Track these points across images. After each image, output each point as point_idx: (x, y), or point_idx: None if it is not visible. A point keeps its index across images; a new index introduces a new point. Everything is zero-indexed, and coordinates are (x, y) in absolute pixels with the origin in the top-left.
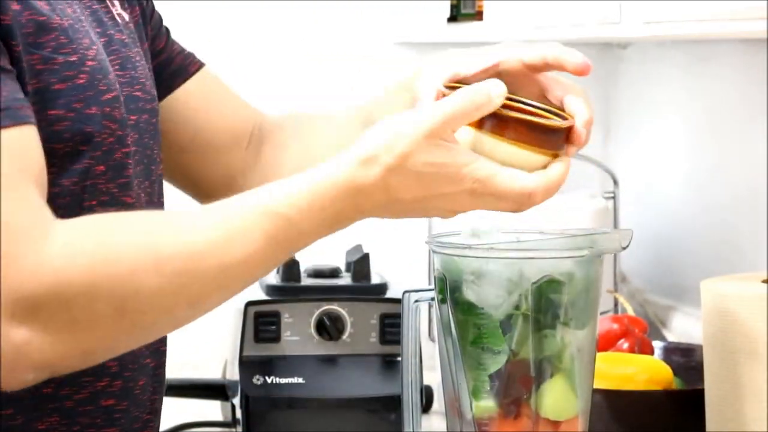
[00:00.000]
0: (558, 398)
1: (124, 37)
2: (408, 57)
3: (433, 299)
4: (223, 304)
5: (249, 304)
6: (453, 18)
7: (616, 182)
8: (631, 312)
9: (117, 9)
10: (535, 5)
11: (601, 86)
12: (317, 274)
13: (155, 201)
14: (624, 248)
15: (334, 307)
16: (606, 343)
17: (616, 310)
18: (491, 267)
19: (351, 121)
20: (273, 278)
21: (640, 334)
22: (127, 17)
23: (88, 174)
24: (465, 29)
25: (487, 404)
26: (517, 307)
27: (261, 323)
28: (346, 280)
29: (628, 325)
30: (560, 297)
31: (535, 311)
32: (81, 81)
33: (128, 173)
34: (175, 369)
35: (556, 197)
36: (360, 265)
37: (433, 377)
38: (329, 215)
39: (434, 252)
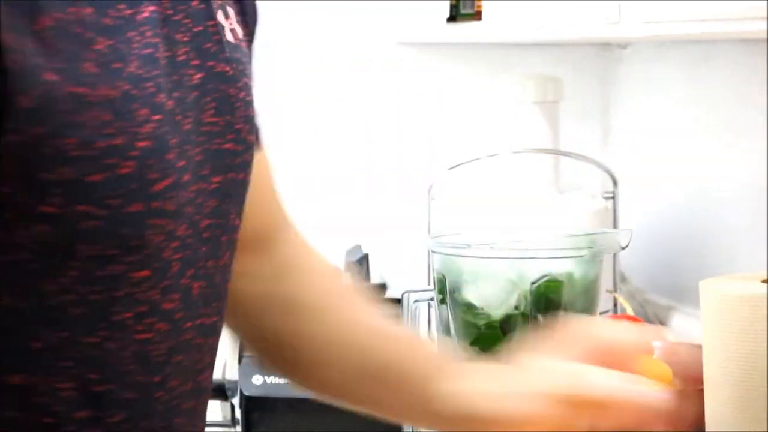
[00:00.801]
0: None
1: (228, 70)
2: (407, 57)
3: (432, 299)
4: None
5: None
6: (452, 18)
7: (615, 182)
8: (630, 312)
9: (231, 23)
10: (535, 5)
11: (600, 86)
12: None
13: (218, 286)
14: (623, 248)
15: None
16: None
17: (615, 310)
18: (490, 267)
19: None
20: None
21: None
22: (240, 33)
23: (122, 282)
24: (464, 29)
25: None
26: (516, 307)
27: None
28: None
29: None
30: (559, 297)
31: (534, 311)
32: (125, 171)
33: (174, 271)
34: None
35: (555, 197)
36: (360, 265)
37: None
38: None
39: (434, 252)
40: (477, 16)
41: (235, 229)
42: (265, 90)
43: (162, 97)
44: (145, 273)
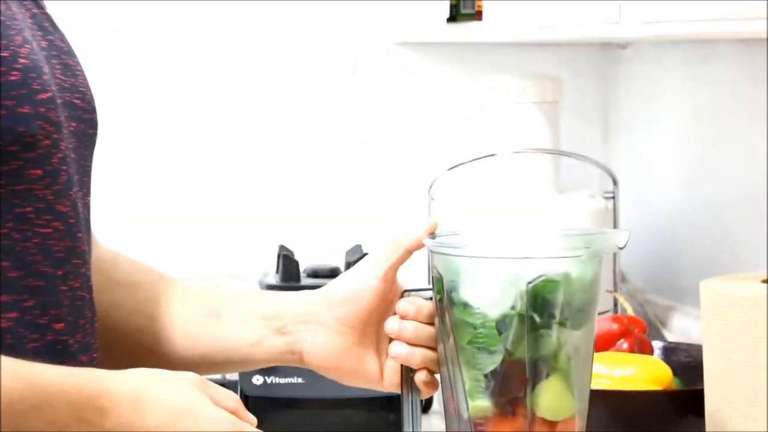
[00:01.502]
0: (554, 398)
1: (65, 46)
2: (407, 57)
3: (430, 299)
4: None
5: None
6: (452, 18)
7: (615, 182)
8: (630, 312)
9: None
10: (535, 5)
11: (600, 86)
12: (316, 273)
13: (87, 215)
14: (621, 248)
15: None
16: (605, 343)
17: (615, 310)
18: (487, 267)
19: (194, 300)
20: (272, 278)
21: (639, 334)
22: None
23: (22, 177)
24: (464, 29)
25: (483, 404)
26: (512, 307)
27: None
28: None
29: (627, 325)
30: (556, 297)
31: (530, 311)
32: (13, 78)
33: (63, 180)
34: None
35: (555, 197)
36: None
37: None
38: None
39: (432, 252)
40: (477, 16)
41: (89, 181)
42: (262, 91)
43: (28, 34)
44: (38, 172)
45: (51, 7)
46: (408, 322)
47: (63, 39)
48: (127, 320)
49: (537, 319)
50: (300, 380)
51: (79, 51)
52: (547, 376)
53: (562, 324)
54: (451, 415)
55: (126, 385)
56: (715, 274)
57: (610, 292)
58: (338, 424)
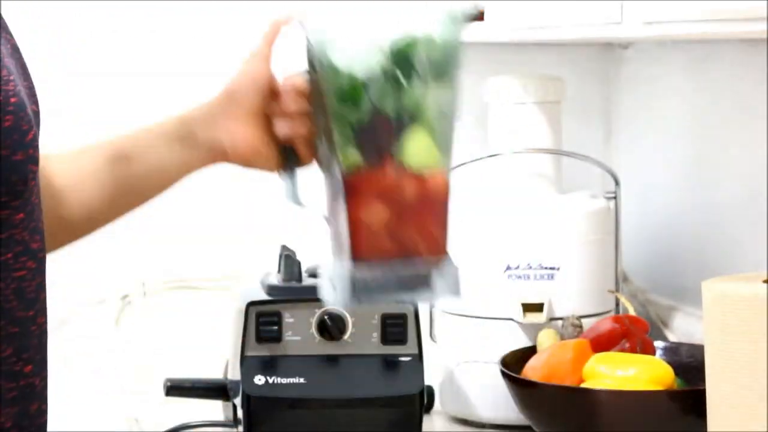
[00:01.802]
0: (419, 148)
1: (14, 42)
2: None
3: (305, 75)
4: (224, 305)
5: (251, 304)
6: None
7: (617, 182)
8: (632, 312)
9: None
10: (536, 6)
11: (602, 86)
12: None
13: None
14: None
15: (336, 307)
16: (607, 342)
17: (617, 310)
18: (353, 30)
19: (101, 152)
20: (274, 278)
21: (641, 334)
22: None
23: (7, 224)
24: (465, 29)
25: (353, 155)
26: (377, 65)
27: (262, 323)
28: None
29: (629, 325)
30: (416, 55)
31: (394, 68)
32: (7, 124)
33: (36, 215)
34: (176, 369)
35: (557, 197)
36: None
37: (434, 377)
38: None
39: (302, 24)
40: (479, 16)
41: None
42: None
43: (8, 60)
44: (21, 216)
45: (51, 7)
46: (289, 99)
47: (8, 30)
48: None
49: (400, 75)
50: (301, 380)
51: (79, 51)
52: (412, 128)
53: (425, 79)
54: (325, 170)
55: None
56: (716, 274)
57: (612, 292)
58: (339, 424)
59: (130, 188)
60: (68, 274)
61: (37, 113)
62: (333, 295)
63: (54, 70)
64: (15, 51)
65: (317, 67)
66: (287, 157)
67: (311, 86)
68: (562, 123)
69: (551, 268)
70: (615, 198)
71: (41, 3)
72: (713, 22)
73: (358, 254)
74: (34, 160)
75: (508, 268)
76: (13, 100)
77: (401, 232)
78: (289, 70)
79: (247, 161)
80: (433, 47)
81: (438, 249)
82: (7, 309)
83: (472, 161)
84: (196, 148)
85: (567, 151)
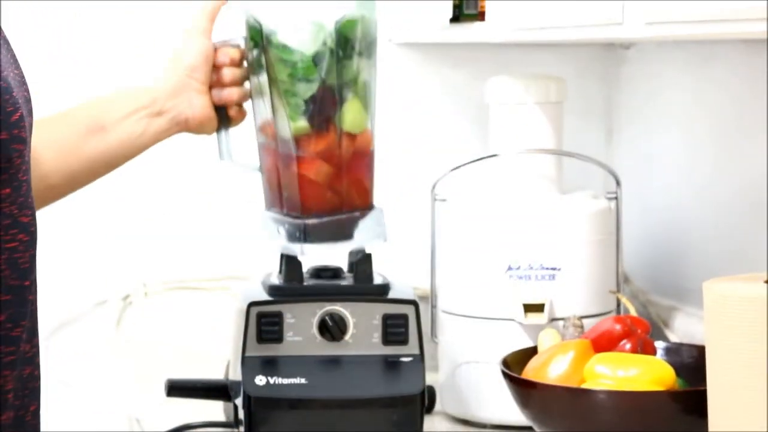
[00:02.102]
0: (355, 115)
1: (3, 33)
2: (410, 58)
3: (238, 46)
4: (225, 305)
5: (252, 304)
6: (455, 18)
7: (618, 183)
8: (633, 312)
9: None
10: (538, 6)
11: (603, 86)
12: (319, 274)
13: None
14: None
15: (337, 307)
16: (608, 343)
17: (618, 311)
18: (302, 12)
19: (77, 122)
20: (276, 278)
21: (642, 334)
22: None
23: None
24: (467, 30)
25: (303, 125)
26: (324, 44)
27: (263, 323)
28: (348, 280)
29: (630, 326)
30: (354, 34)
31: (337, 46)
32: None
33: (24, 190)
34: (177, 369)
35: (558, 198)
36: (362, 265)
37: (435, 378)
38: None
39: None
40: (480, 16)
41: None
42: None
43: None
44: (6, 191)
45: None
46: (225, 70)
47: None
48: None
49: (341, 52)
50: (303, 381)
51: (79, 52)
52: (349, 98)
53: (360, 54)
54: (266, 136)
55: None
56: (717, 275)
57: (613, 292)
58: (341, 424)
59: (107, 157)
60: (69, 275)
61: (28, 99)
62: (278, 239)
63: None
64: (5, 42)
65: (265, 45)
66: (221, 120)
67: (249, 59)
68: (564, 123)
69: (552, 269)
70: (616, 198)
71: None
72: (714, 23)
73: (305, 206)
74: (19, 140)
75: (510, 268)
76: None
77: (339, 185)
78: (220, 41)
79: (201, 128)
80: (366, 26)
81: (368, 198)
82: (0, 277)
83: (472, 161)
84: (163, 119)
85: (568, 151)
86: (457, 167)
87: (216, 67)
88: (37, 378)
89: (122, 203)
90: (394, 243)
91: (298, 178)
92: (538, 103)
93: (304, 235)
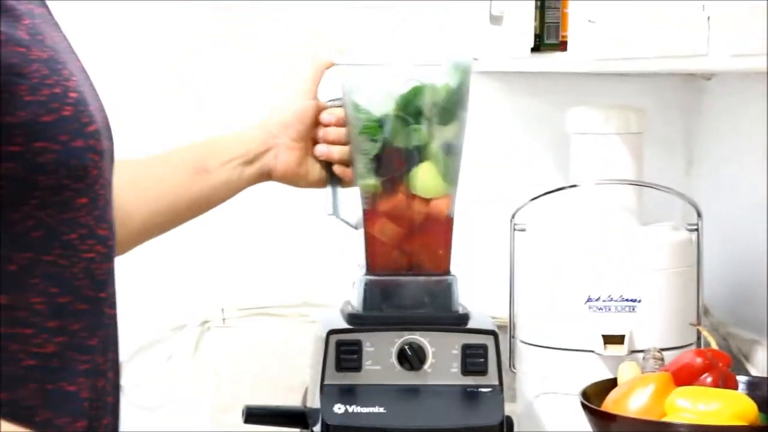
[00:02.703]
0: (427, 179)
1: (81, 62)
2: (491, 86)
3: (341, 106)
4: (302, 332)
5: (331, 332)
6: (536, 48)
7: (699, 214)
8: (714, 345)
9: None
10: (620, 36)
11: (683, 117)
12: (399, 303)
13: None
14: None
15: (416, 337)
16: (689, 376)
17: (699, 343)
18: (370, 77)
19: (184, 164)
20: (355, 306)
21: (724, 368)
22: None
23: (70, 207)
24: (548, 59)
25: (370, 182)
26: (391, 109)
27: (342, 352)
28: (428, 309)
29: (711, 359)
30: (423, 100)
31: (402, 112)
32: (66, 113)
33: (101, 204)
34: (254, 396)
35: (638, 229)
36: (443, 294)
37: (513, 408)
38: None
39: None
40: (562, 46)
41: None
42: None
43: (70, 63)
44: (84, 200)
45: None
46: (330, 128)
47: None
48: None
49: (408, 118)
50: (381, 410)
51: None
52: (421, 161)
53: (429, 120)
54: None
55: None
56: None
57: (694, 325)
58: None
59: (209, 197)
60: (148, 300)
61: (105, 119)
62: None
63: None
64: (77, 59)
65: (346, 106)
66: (330, 176)
67: (346, 120)
68: (643, 154)
69: (633, 300)
70: (697, 230)
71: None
72: None
73: (372, 266)
74: (95, 150)
75: (589, 299)
76: (72, 94)
77: (409, 247)
78: (328, 101)
79: (289, 180)
80: (436, 94)
81: (441, 264)
82: (76, 287)
83: (552, 191)
84: (254, 168)
85: (649, 182)
86: (536, 197)
87: (323, 125)
88: (109, 393)
89: (202, 230)
90: (473, 271)
91: (365, 236)
92: (618, 134)
93: (366, 294)
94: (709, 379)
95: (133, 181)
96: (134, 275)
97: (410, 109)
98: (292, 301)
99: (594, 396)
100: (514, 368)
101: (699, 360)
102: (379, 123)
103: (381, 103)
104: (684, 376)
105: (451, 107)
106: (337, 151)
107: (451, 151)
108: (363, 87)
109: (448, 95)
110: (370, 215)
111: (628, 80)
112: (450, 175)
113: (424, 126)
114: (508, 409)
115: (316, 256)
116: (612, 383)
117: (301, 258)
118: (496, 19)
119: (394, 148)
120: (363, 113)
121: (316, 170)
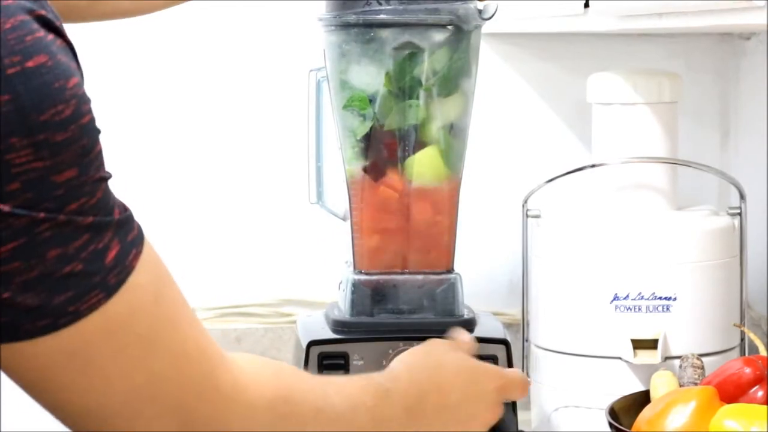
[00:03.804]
0: (425, 166)
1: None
2: (497, 50)
3: (324, 77)
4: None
5: (312, 343)
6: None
7: (742, 196)
8: (763, 351)
9: None
10: None
11: (718, 82)
12: (393, 307)
13: None
14: (486, 19)
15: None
16: (736, 390)
17: (742, 347)
18: (356, 38)
19: None
20: (341, 311)
21: None
22: None
23: None
24: (566, 18)
25: (357, 168)
26: (382, 81)
27: (326, 366)
28: (427, 313)
29: (763, 369)
30: (421, 66)
31: (396, 82)
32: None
33: None
34: None
35: (672, 214)
36: (444, 296)
37: (526, 417)
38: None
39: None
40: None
41: None
42: None
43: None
44: None
45: None
46: None
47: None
48: None
49: (404, 88)
50: None
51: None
52: (419, 145)
53: (428, 90)
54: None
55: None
56: None
57: (738, 326)
58: None
59: None
60: None
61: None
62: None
63: None
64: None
65: (329, 76)
66: None
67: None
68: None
69: (666, 299)
70: (740, 214)
71: None
72: None
73: (361, 264)
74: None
75: (616, 298)
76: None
77: (405, 243)
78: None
79: None
80: (437, 60)
81: (442, 262)
82: None
83: (571, 172)
84: None
85: (684, 160)
86: (553, 178)
87: None
88: None
89: (171, 220)
90: (479, 266)
91: (351, 228)
92: (648, 104)
93: (354, 294)
94: (760, 393)
95: None
96: None
97: (408, 75)
98: (271, 300)
99: (623, 412)
100: (529, 377)
101: (748, 371)
102: (369, 97)
103: (372, 77)
104: (730, 390)
105: (455, 76)
106: None
107: (456, 133)
108: (355, 59)
109: (453, 60)
110: (357, 205)
111: (654, 41)
112: (455, 162)
113: (422, 100)
114: (521, 417)
115: (297, 249)
116: (644, 397)
117: (281, 252)
118: None
119: (387, 130)
120: (349, 86)
121: None
